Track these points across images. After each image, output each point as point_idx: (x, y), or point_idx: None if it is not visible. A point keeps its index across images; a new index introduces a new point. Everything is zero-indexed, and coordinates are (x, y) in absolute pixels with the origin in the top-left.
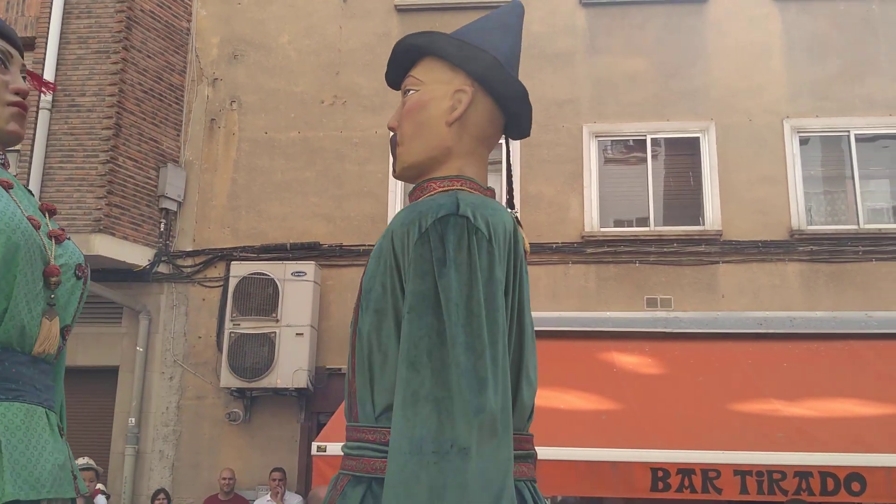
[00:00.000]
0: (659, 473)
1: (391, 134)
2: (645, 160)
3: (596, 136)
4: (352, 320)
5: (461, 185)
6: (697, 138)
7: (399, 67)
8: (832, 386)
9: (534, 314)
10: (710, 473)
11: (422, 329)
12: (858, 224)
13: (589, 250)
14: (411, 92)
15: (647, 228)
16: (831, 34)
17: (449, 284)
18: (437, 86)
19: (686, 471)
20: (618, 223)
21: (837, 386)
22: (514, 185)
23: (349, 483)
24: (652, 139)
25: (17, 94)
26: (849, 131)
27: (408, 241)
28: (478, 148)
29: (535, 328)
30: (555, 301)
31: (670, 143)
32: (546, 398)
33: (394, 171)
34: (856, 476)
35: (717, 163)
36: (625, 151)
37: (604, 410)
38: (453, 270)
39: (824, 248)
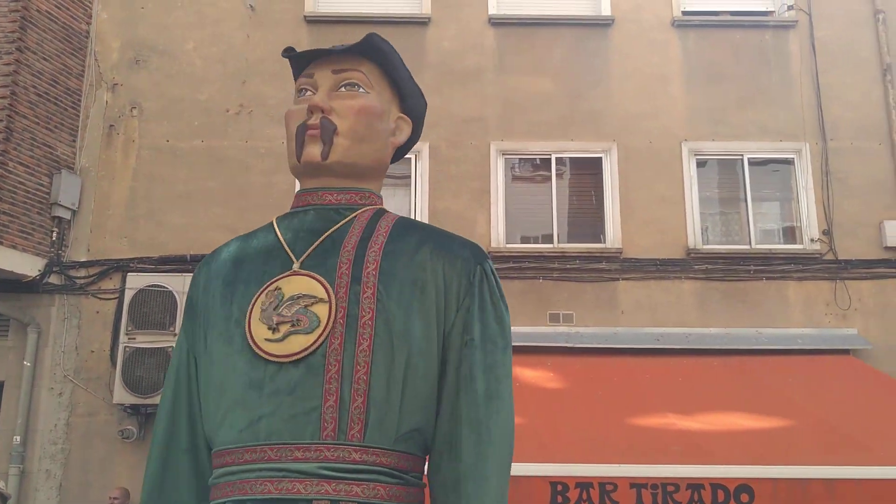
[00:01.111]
0: (558, 487)
1: (314, 115)
2: (550, 178)
3: (503, 154)
4: (369, 309)
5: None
6: (600, 158)
7: (352, 56)
8: (724, 400)
9: None
10: (607, 487)
11: (507, 365)
12: (750, 244)
13: (494, 266)
14: (361, 90)
15: (550, 245)
16: (727, 62)
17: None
18: (384, 101)
19: (584, 484)
20: (524, 239)
21: (729, 400)
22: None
23: None
24: (557, 158)
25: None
26: (742, 155)
27: (469, 271)
28: None
29: None
30: None
31: (574, 162)
32: None
33: (320, 155)
34: (745, 488)
35: (618, 183)
36: (531, 170)
37: None
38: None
39: (718, 266)
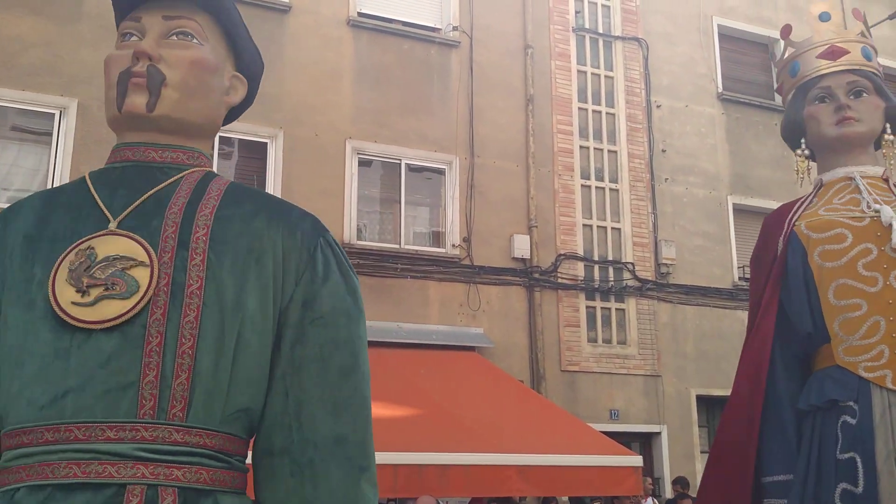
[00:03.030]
0: None
1: (140, 62)
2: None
3: None
4: (197, 278)
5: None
6: (266, 144)
7: (186, 3)
8: None
9: None
10: None
11: (364, 336)
12: (400, 244)
13: None
14: (195, 41)
15: None
16: (395, 69)
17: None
18: (218, 56)
19: None
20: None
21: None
22: None
23: (185, 495)
24: (221, 138)
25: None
26: (401, 160)
27: (310, 244)
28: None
29: None
30: None
31: (242, 144)
32: None
33: (145, 106)
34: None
35: (282, 170)
36: None
37: None
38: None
39: (369, 262)
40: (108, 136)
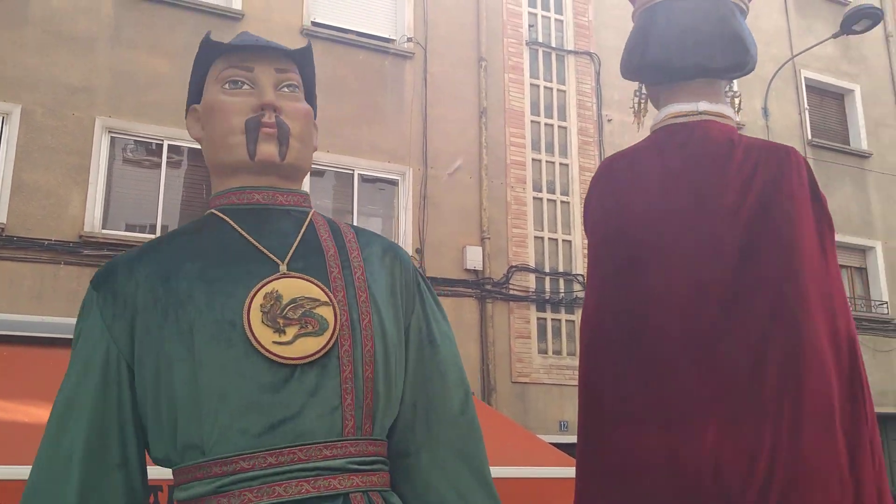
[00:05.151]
0: None
1: (265, 114)
2: (160, 165)
3: (109, 132)
4: (366, 313)
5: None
6: None
7: (287, 57)
8: None
9: (16, 318)
10: None
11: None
12: None
13: (86, 251)
14: (298, 92)
15: (154, 236)
16: (349, 79)
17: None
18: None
19: None
20: (129, 227)
21: None
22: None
23: (384, 497)
24: (170, 145)
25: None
26: (354, 170)
27: (414, 276)
28: None
29: (18, 332)
30: (41, 304)
31: (192, 152)
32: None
33: (279, 156)
34: None
35: None
36: (142, 153)
37: None
38: None
39: None
40: (52, 142)
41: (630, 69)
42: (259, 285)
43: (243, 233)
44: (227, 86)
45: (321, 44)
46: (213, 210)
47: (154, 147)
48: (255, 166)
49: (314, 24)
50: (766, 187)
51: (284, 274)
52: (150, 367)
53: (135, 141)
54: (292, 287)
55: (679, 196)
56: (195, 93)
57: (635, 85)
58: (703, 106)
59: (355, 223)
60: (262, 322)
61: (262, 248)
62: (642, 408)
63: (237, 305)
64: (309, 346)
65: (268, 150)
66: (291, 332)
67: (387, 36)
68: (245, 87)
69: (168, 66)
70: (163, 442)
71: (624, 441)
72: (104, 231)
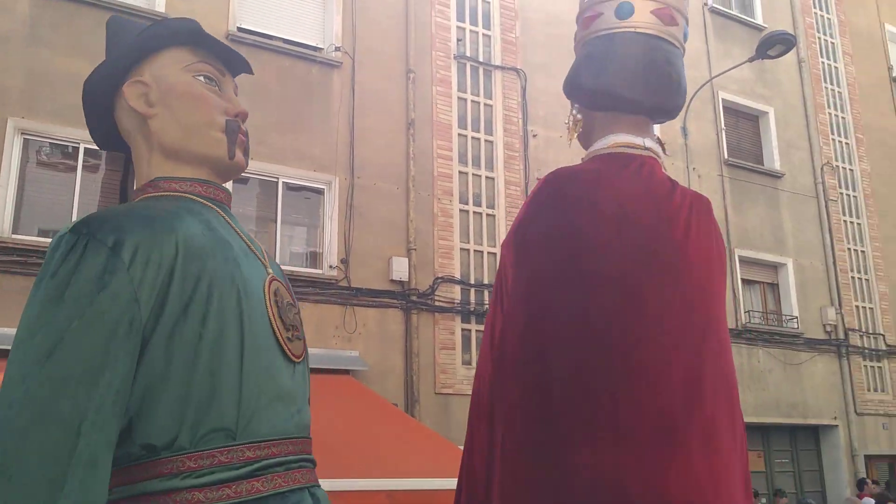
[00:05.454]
0: None
1: (239, 122)
2: (75, 169)
3: (23, 133)
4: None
5: None
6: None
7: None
8: None
9: None
10: None
11: None
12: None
13: None
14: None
15: None
16: (274, 86)
17: None
18: None
19: None
20: (42, 232)
21: None
22: None
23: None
24: (87, 149)
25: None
26: (279, 178)
27: None
28: None
29: None
30: None
31: (111, 157)
32: None
33: (243, 162)
34: None
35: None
36: (58, 156)
37: None
38: None
39: None
40: None
41: (574, 89)
42: (266, 282)
43: (239, 233)
44: (201, 78)
45: (247, 50)
46: (188, 195)
47: (70, 150)
48: (223, 166)
49: (240, 29)
50: (701, 233)
51: (273, 277)
52: (184, 346)
53: (50, 143)
54: (281, 290)
55: (636, 230)
56: (125, 67)
57: (560, 102)
58: (648, 143)
59: (279, 232)
60: (279, 317)
61: (253, 249)
62: (612, 430)
63: (258, 301)
64: (299, 347)
65: (241, 157)
66: (291, 332)
67: (314, 44)
68: (215, 86)
69: (87, 68)
70: (173, 423)
71: (594, 466)
72: (15, 236)
